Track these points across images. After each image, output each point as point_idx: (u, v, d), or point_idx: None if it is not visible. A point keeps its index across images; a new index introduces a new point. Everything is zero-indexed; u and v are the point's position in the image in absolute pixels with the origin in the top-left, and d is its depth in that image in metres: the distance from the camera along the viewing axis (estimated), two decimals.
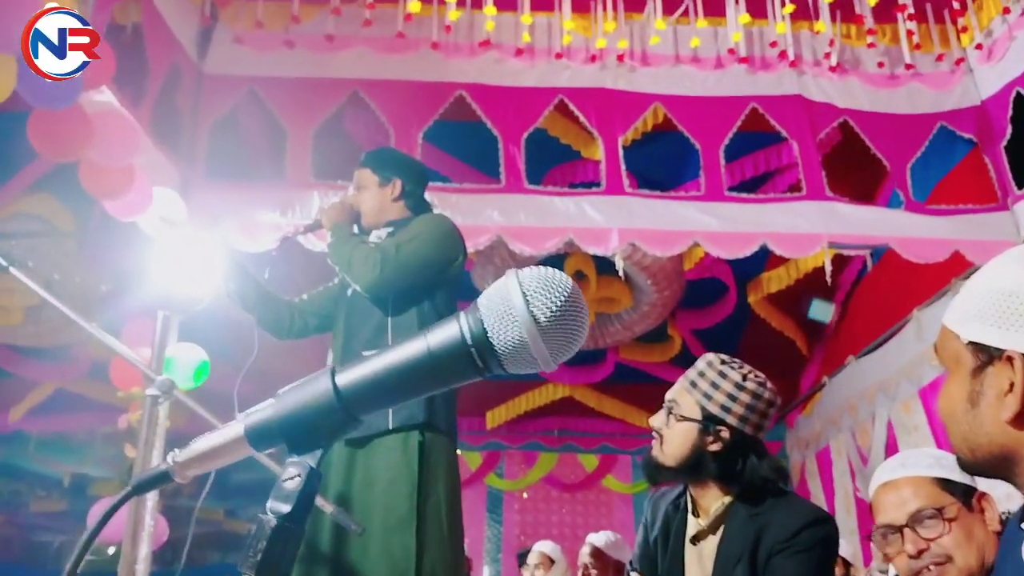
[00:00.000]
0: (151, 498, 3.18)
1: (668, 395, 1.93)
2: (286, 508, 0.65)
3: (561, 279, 0.66)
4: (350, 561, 2.21)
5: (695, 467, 1.86)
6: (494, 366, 0.66)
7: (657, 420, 1.92)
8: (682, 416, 1.87)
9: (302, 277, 4.34)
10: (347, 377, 0.68)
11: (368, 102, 4.49)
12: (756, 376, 1.89)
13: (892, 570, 3.36)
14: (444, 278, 2.50)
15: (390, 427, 2.29)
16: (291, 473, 0.67)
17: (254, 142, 4.94)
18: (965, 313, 0.99)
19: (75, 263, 4.98)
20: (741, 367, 1.90)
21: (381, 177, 2.64)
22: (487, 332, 0.65)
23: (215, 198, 4.21)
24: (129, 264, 4.20)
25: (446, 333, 0.66)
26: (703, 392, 1.86)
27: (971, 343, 0.97)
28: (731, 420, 1.84)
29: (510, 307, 0.65)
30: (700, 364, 1.92)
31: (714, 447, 1.84)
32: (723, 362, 1.90)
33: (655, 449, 1.91)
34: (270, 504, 0.66)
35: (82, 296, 4.98)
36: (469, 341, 0.65)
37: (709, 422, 1.84)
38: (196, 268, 3.33)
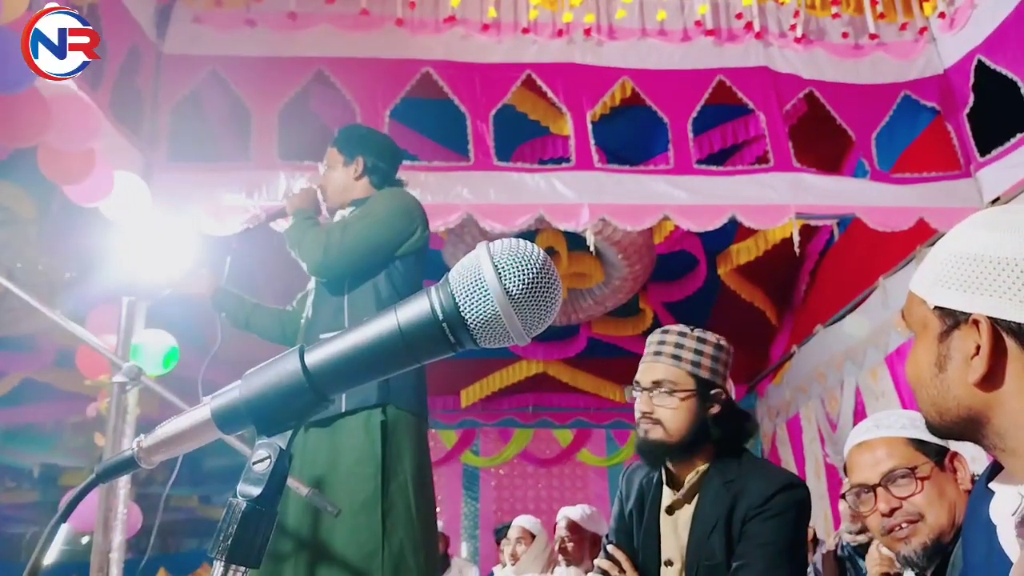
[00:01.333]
0: (123, 486, 3.15)
1: (651, 377, 1.89)
2: (256, 491, 0.64)
3: (533, 251, 0.65)
4: (318, 544, 2.20)
5: (699, 436, 1.87)
6: (466, 341, 0.65)
7: (646, 405, 1.88)
8: (683, 391, 1.86)
9: (271, 261, 4.30)
10: (316, 356, 0.67)
11: (333, 81, 4.42)
12: (717, 335, 1.95)
13: (847, 531, 3.42)
14: (401, 254, 2.45)
15: (343, 410, 2.26)
16: (261, 455, 0.65)
17: (218, 123, 4.86)
18: (931, 278, 1.00)
19: (37, 250, 4.88)
20: (705, 331, 1.95)
21: (346, 155, 2.60)
22: (459, 306, 0.64)
23: (179, 181, 4.14)
24: (93, 250, 4.13)
25: (416, 309, 0.65)
26: (691, 362, 1.88)
27: (937, 308, 0.98)
28: (719, 380, 1.89)
29: (482, 280, 0.63)
30: (671, 338, 1.92)
31: (714, 410, 1.88)
32: (692, 330, 1.94)
33: (654, 433, 1.87)
34: (240, 487, 0.64)
35: (46, 284, 4.89)
36: (440, 316, 0.64)
37: (705, 388, 1.87)
38: (161, 253, 3.28)
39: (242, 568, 0.63)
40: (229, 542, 0.63)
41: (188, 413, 0.70)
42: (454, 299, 0.64)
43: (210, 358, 2.40)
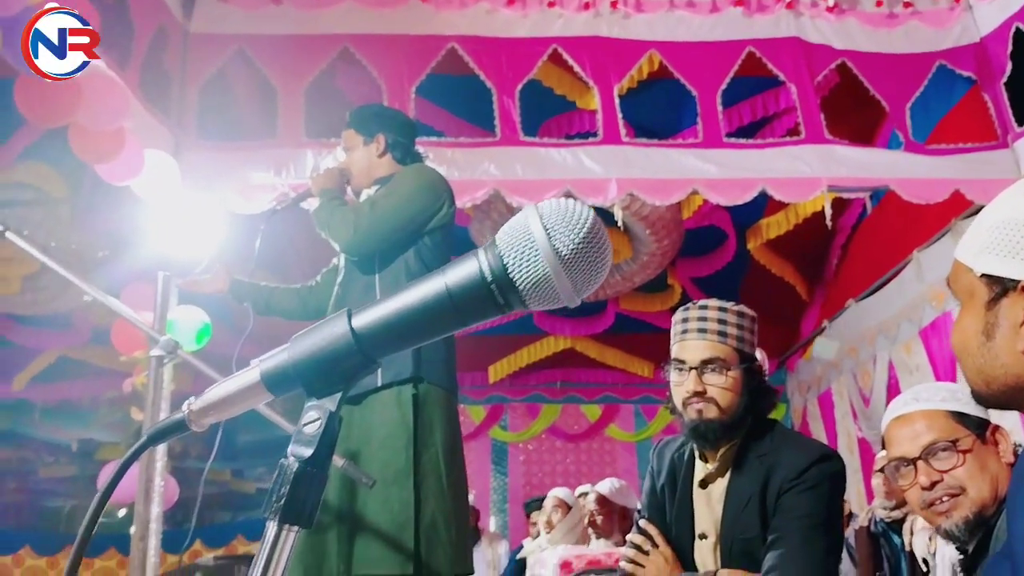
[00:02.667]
0: (160, 459, 3.20)
1: (704, 356, 1.85)
2: (308, 452, 0.64)
3: (582, 211, 0.64)
4: (351, 516, 2.23)
5: (748, 412, 1.86)
6: (515, 303, 0.64)
7: (697, 384, 1.84)
8: (732, 368, 1.85)
9: (298, 239, 4.32)
10: (364, 319, 0.67)
11: (359, 58, 4.41)
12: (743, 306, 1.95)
13: (880, 507, 3.40)
14: (429, 230, 2.46)
15: (379, 384, 2.28)
16: (311, 417, 0.66)
17: (245, 102, 4.88)
18: (978, 245, 0.98)
19: (70, 229, 4.96)
20: (737, 303, 1.93)
21: (365, 135, 2.60)
22: (507, 268, 0.63)
23: (208, 160, 4.16)
24: (124, 228, 4.18)
25: (464, 271, 0.65)
26: (735, 337, 1.86)
27: (985, 275, 0.96)
28: (756, 353, 1.89)
29: (531, 241, 0.63)
30: (712, 314, 1.88)
31: (756, 383, 1.88)
32: (731, 305, 1.92)
33: (709, 412, 1.83)
34: (291, 449, 0.65)
35: (79, 262, 4.96)
36: (489, 278, 0.64)
37: (750, 362, 1.87)
38: (192, 231, 3.32)
39: (295, 528, 0.64)
40: (282, 502, 0.63)
41: (237, 376, 0.71)
42: (502, 260, 0.64)
43: (244, 337, 2.42)
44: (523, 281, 0.63)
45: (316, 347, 0.67)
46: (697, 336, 1.87)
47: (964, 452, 1.50)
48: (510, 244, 0.64)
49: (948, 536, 1.51)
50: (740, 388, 1.84)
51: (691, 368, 1.85)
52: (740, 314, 1.89)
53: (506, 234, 0.65)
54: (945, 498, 1.50)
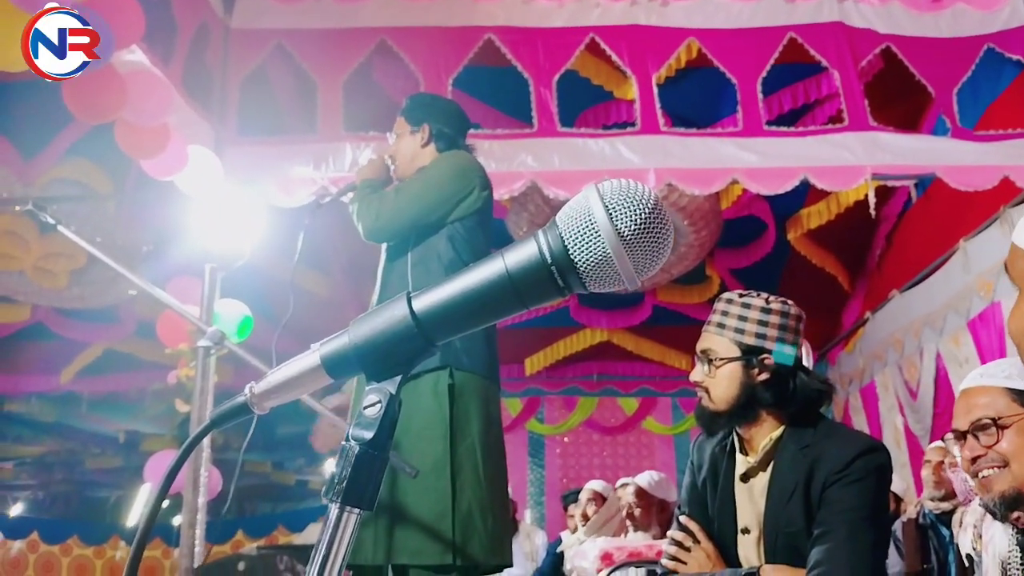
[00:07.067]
0: (205, 450, 3.25)
1: (699, 347, 1.90)
2: (368, 435, 0.65)
3: (644, 191, 0.63)
4: (391, 505, 2.24)
5: (749, 403, 1.84)
6: (575, 285, 0.64)
7: (697, 374, 1.90)
8: (722, 359, 1.85)
9: (338, 234, 4.35)
10: (424, 302, 0.67)
11: (396, 51, 4.43)
12: (776, 296, 1.89)
13: (929, 498, 3.35)
14: (459, 216, 2.42)
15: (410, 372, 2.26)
16: (371, 400, 0.66)
17: (284, 96, 4.93)
18: None
19: (115, 225, 5.05)
20: (759, 294, 1.89)
21: (412, 123, 2.59)
22: (568, 249, 0.63)
23: (249, 155, 4.21)
24: (168, 223, 4.25)
25: (524, 253, 0.64)
26: (734, 328, 1.85)
27: None
28: (770, 344, 1.83)
29: (592, 222, 0.62)
30: (719, 306, 1.91)
31: (763, 376, 1.83)
32: (740, 295, 1.89)
33: (704, 401, 1.89)
34: (352, 432, 0.65)
35: (124, 257, 5.06)
36: (549, 260, 0.63)
37: (750, 355, 1.83)
38: (234, 224, 3.36)
39: (356, 510, 0.64)
40: (344, 485, 0.63)
41: (297, 360, 0.71)
42: (563, 241, 0.63)
43: (280, 327, 2.43)
44: (584, 262, 0.63)
45: (376, 331, 0.67)
46: (706, 327, 1.91)
47: (1003, 428, 1.53)
48: (570, 225, 0.63)
49: (988, 510, 1.55)
50: (736, 380, 1.83)
51: (697, 359, 1.91)
52: (746, 305, 1.85)
53: (566, 215, 0.64)
54: (987, 470, 1.54)
